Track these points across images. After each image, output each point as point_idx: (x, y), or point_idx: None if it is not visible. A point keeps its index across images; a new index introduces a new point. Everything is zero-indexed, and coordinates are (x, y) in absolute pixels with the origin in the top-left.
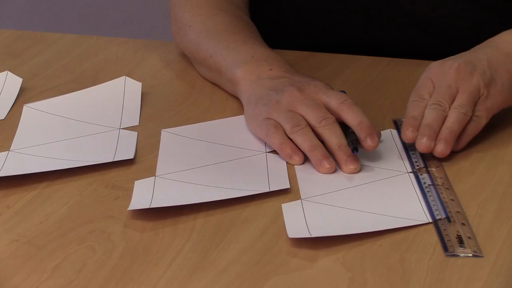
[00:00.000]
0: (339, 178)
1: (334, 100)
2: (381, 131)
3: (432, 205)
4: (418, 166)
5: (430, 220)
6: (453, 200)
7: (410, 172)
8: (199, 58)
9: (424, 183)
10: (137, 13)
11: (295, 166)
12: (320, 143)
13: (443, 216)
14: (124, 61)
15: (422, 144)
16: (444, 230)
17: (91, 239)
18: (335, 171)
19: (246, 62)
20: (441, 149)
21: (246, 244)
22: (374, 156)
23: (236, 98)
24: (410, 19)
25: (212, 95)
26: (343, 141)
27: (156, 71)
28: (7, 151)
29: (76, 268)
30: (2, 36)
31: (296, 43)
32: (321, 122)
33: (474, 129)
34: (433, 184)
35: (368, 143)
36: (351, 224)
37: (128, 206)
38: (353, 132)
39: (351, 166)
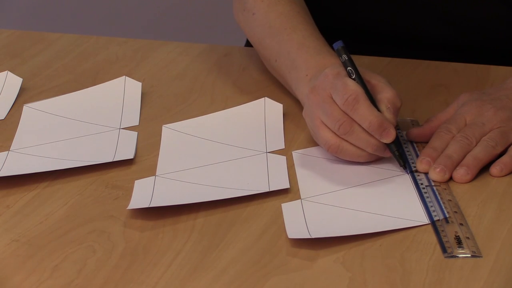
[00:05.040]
0: (339, 178)
1: (338, 101)
2: None
3: (429, 206)
4: (414, 167)
5: (429, 221)
6: (450, 200)
7: (408, 173)
8: (264, 55)
9: (421, 183)
10: (137, 13)
11: (295, 166)
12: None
13: (441, 217)
14: (124, 61)
15: (436, 173)
16: (442, 231)
17: (91, 239)
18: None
19: (302, 83)
20: (461, 173)
21: (246, 244)
22: None
23: (236, 99)
24: (430, 9)
25: (212, 95)
26: (368, 146)
27: (156, 71)
28: (7, 151)
29: (76, 268)
30: (2, 36)
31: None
32: (339, 129)
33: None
34: (430, 185)
35: (384, 140)
36: (351, 224)
37: (128, 206)
38: (390, 144)
39: (390, 138)
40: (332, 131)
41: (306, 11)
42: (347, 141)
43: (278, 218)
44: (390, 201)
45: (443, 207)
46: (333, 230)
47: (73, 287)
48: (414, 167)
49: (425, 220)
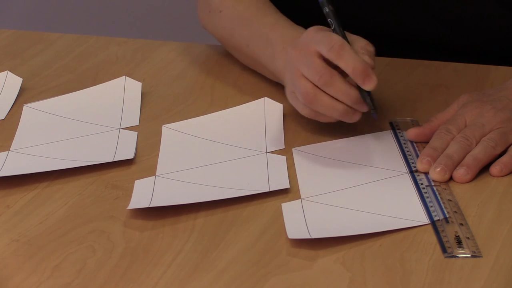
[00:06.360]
0: (339, 177)
1: (323, 49)
2: (382, 132)
3: (429, 206)
4: (415, 167)
5: (429, 221)
6: (450, 200)
7: (408, 173)
8: (235, 45)
9: (421, 183)
10: (137, 13)
11: (296, 165)
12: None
13: (441, 217)
14: (124, 61)
15: (436, 173)
16: (442, 231)
17: (91, 239)
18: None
19: (280, 56)
20: (461, 173)
21: (246, 244)
22: (375, 156)
23: (236, 98)
24: (427, 8)
25: (212, 95)
26: (347, 96)
27: (156, 71)
28: (7, 151)
29: (76, 268)
30: (2, 36)
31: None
32: (319, 80)
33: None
34: (430, 185)
35: (366, 87)
36: (351, 224)
37: (128, 206)
38: (363, 90)
39: (372, 84)
40: (312, 83)
41: (271, 3)
42: (326, 93)
43: (278, 218)
44: (390, 201)
45: (443, 207)
46: (333, 230)
47: (73, 287)
48: (414, 167)
49: (425, 220)
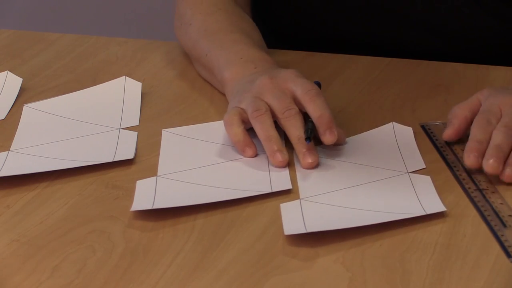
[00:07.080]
0: (338, 177)
1: (299, 90)
2: (381, 128)
3: (483, 211)
4: (457, 170)
5: (426, 212)
6: (502, 204)
7: (410, 172)
8: (196, 56)
9: (469, 188)
10: (137, 13)
11: (295, 166)
12: (276, 134)
13: (498, 221)
14: (124, 61)
15: (489, 165)
16: (502, 235)
17: (91, 239)
18: (286, 165)
19: (234, 64)
20: (509, 173)
21: (246, 244)
22: (375, 156)
23: None
24: (415, 21)
25: (212, 95)
26: (303, 134)
27: (156, 71)
28: (7, 151)
29: (76, 268)
30: (2, 36)
31: (298, 41)
32: (284, 113)
33: None
34: (479, 189)
35: (327, 137)
36: (349, 221)
37: (128, 205)
38: (311, 121)
39: (309, 160)
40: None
41: (245, 21)
42: (283, 124)
43: (278, 218)
44: (389, 200)
45: (497, 211)
46: (330, 224)
47: (73, 287)
48: (457, 170)
49: (422, 211)
